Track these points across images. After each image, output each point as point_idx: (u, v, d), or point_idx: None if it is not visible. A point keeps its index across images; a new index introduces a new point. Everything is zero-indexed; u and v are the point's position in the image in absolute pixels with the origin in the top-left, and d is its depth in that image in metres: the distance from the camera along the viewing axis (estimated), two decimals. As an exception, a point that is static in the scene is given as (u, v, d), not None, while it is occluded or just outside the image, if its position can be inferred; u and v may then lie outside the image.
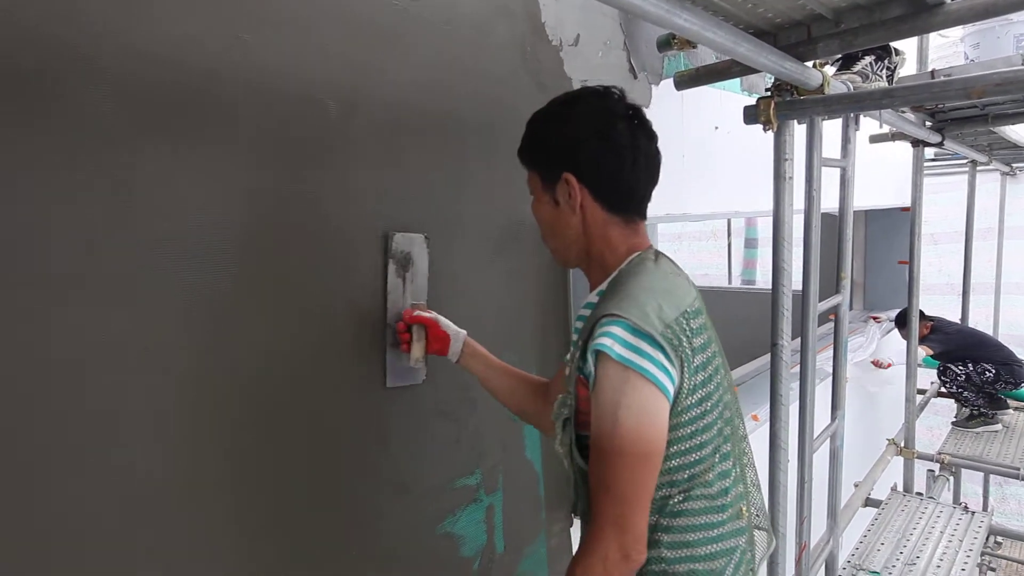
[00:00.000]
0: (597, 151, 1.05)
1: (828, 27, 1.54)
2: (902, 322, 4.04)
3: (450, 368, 1.43)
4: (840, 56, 2.13)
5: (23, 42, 0.85)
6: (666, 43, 1.75)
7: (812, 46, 1.59)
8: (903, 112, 2.75)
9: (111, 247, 0.94)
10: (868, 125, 2.99)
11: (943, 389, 4.46)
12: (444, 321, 1.33)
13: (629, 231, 1.10)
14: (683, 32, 1.19)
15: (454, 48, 1.45)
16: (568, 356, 1.11)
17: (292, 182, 1.17)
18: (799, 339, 2.00)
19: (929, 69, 2.73)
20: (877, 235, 5.47)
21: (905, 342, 3.63)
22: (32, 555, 0.89)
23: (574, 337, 1.10)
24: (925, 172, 3.50)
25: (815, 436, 2.05)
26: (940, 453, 3.86)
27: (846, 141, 2.22)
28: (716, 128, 2.38)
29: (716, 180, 2.43)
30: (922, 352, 4.11)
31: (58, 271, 0.90)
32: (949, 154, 4.63)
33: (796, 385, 1.98)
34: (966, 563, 2.84)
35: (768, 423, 1.91)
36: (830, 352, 2.37)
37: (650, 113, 1.12)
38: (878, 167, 3.95)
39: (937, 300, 6.06)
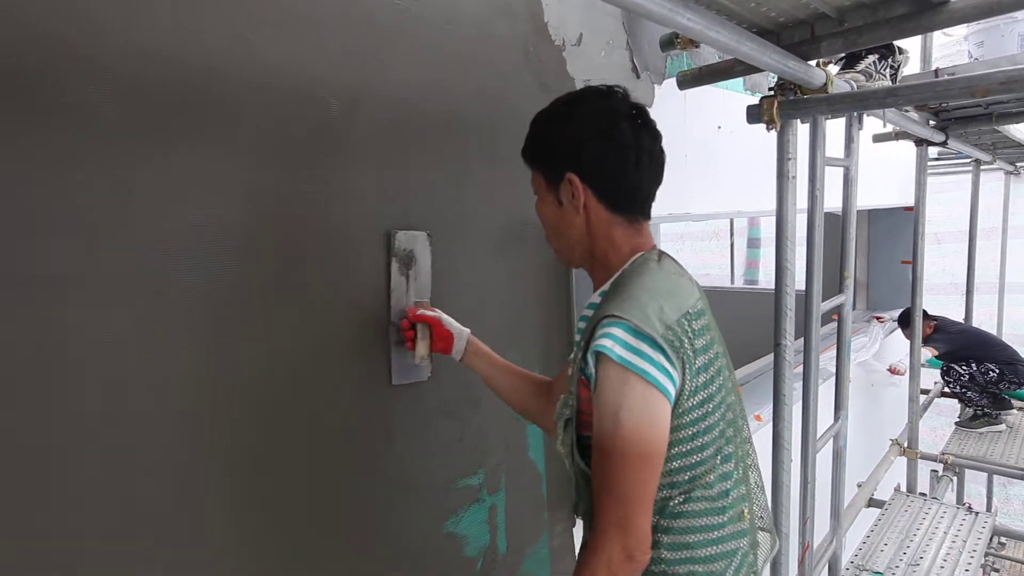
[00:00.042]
0: (600, 151, 1.05)
1: (832, 26, 1.53)
2: (905, 322, 4.03)
3: (452, 367, 1.42)
4: (844, 55, 2.12)
5: (24, 40, 0.85)
6: (669, 42, 1.75)
7: (816, 45, 1.58)
8: (907, 111, 2.74)
9: (111, 246, 0.94)
10: (872, 124, 2.98)
11: (947, 389, 4.45)
12: (447, 319, 1.33)
13: (633, 231, 1.10)
14: (686, 31, 1.19)
15: (456, 47, 1.44)
16: (571, 356, 1.10)
17: (293, 181, 1.17)
18: (802, 339, 2.00)
19: (933, 68, 2.72)
20: (880, 235, 5.46)
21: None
22: (32, 555, 0.89)
23: (576, 337, 1.10)
24: (929, 171, 3.49)
25: (818, 436, 2.05)
26: (944, 453, 3.85)
27: (849, 140, 2.21)
28: (719, 128, 2.38)
29: (719, 180, 2.42)
30: (928, 353, 4.10)
31: (58, 271, 0.89)
32: (953, 153, 4.61)
33: (799, 385, 1.97)
34: (970, 564, 2.83)
35: (771, 423, 1.91)
36: (833, 352, 2.37)
37: (653, 113, 1.11)
38: (881, 166, 3.94)
39: (940, 300, 6.05)
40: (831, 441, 2.24)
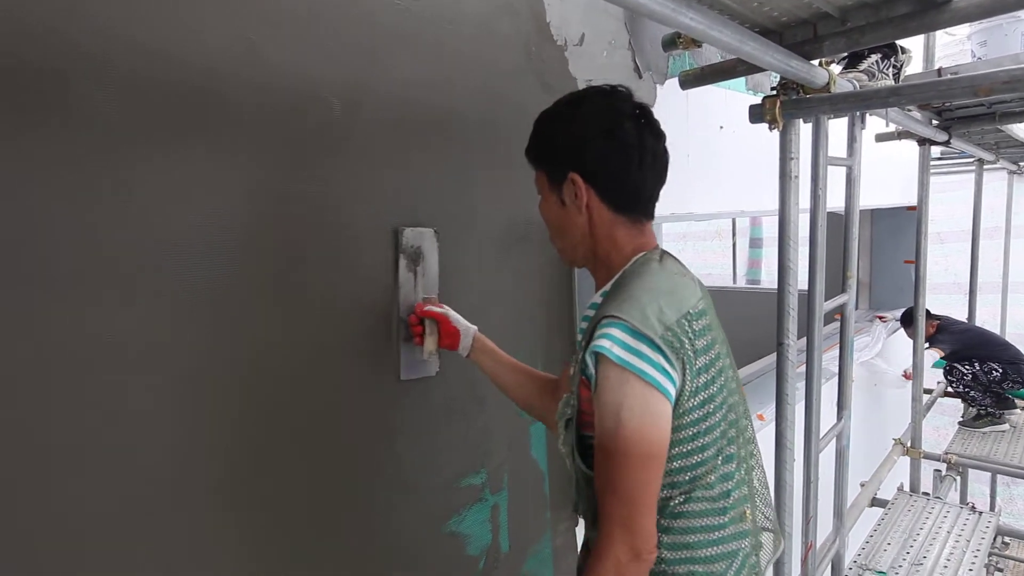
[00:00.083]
0: (603, 151, 1.05)
1: (834, 25, 1.53)
2: (908, 321, 4.02)
3: (455, 366, 1.42)
4: (846, 54, 2.12)
5: (25, 38, 0.85)
6: (671, 42, 1.75)
7: (818, 44, 1.58)
8: (909, 111, 2.73)
9: (119, 246, 0.95)
10: (874, 124, 2.98)
11: (950, 389, 4.44)
12: (454, 316, 1.34)
13: (635, 231, 1.10)
14: (689, 31, 1.19)
15: (457, 47, 1.45)
16: (574, 356, 1.10)
17: (296, 180, 1.17)
18: (805, 338, 2.00)
19: (936, 67, 2.72)
20: (883, 234, 5.45)
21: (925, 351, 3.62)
22: (32, 554, 0.89)
23: (579, 338, 1.10)
24: (931, 171, 3.48)
25: (821, 436, 2.05)
26: (947, 453, 3.85)
27: (852, 140, 2.21)
28: (721, 127, 2.38)
29: (721, 179, 2.42)
30: (936, 354, 4.09)
31: (59, 270, 0.89)
32: (956, 152, 4.61)
33: (802, 384, 1.97)
34: (973, 563, 2.82)
35: (774, 423, 1.91)
36: (836, 352, 2.37)
37: (655, 113, 1.11)
38: (884, 166, 3.93)
39: (943, 299, 6.04)
40: (834, 440, 2.24)
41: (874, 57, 2.13)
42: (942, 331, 4.27)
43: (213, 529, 1.08)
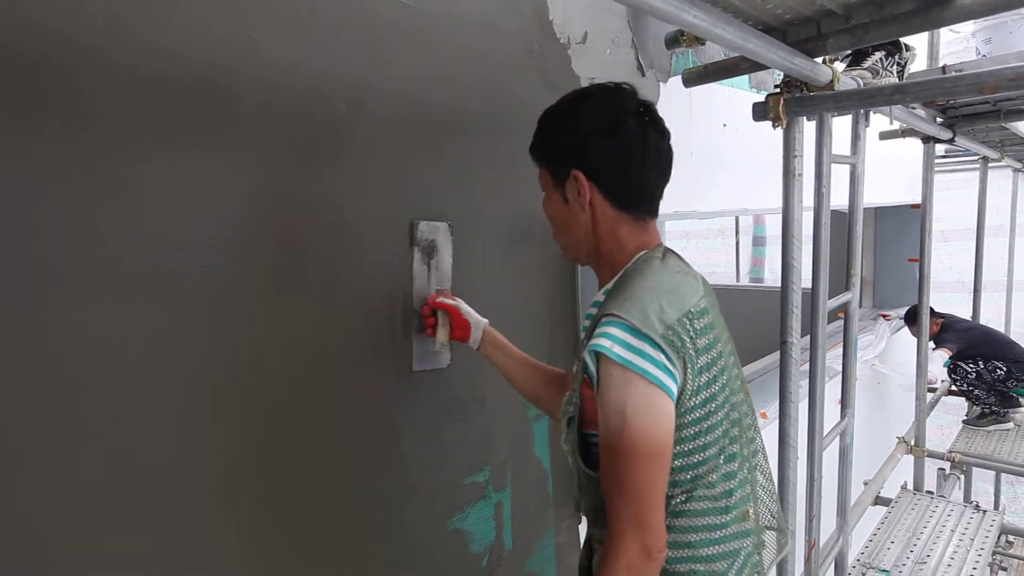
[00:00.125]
0: (606, 148, 1.05)
1: (838, 23, 1.53)
2: (912, 319, 4.01)
3: (457, 365, 1.43)
4: (850, 52, 2.12)
5: (27, 35, 0.85)
6: (674, 40, 1.75)
7: (822, 42, 1.58)
8: (914, 108, 2.73)
9: (116, 245, 0.95)
10: (878, 121, 2.97)
11: (953, 387, 4.43)
12: (466, 308, 1.36)
13: (639, 229, 1.10)
14: (692, 29, 1.19)
15: (460, 44, 1.45)
16: (577, 353, 1.11)
17: (300, 178, 1.17)
18: (808, 337, 2.00)
19: (940, 64, 2.71)
20: (887, 232, 5.44)
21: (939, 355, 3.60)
22: (33, 554, 0.89)
23: (582, 336, 1.10)
24: (936, 169, 3.47)
25: (824, 434, 2.05)
26: (951, 451, 3.84)
27: (856, 138, 2.20)
28: (724, 125, 2.37)
29: (724, 178, 2.42)
30: (945, 355, 4.07)
31: (61, 269, 0.89)
32: (960, 150, 4.58)
33: (805, 383, 1.97)
34: (977, 562, 2.82)
35: (777, 421, 1.91)
36: (839, 350, 2.36)
37: (658, 111, 1.11)
38: (888, 164, 3.92)
39: (947, 298, 6.02)
40: (837, 439, 2.23)
41: (878, 55, 2.12)
42: (946, 329, 4.25)
43: (213, 528, 1.08)
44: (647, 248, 1.09)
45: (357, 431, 1.29)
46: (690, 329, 0.99)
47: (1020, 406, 4.32)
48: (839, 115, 1.99)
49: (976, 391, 4.21)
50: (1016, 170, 5.09)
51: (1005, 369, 4.04)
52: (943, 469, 3.96)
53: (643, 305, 0.97)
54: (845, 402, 2.30)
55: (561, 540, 1.80)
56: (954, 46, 3.82)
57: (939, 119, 3.12)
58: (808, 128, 1.83)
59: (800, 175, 1.79)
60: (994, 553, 3.87)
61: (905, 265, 5.27)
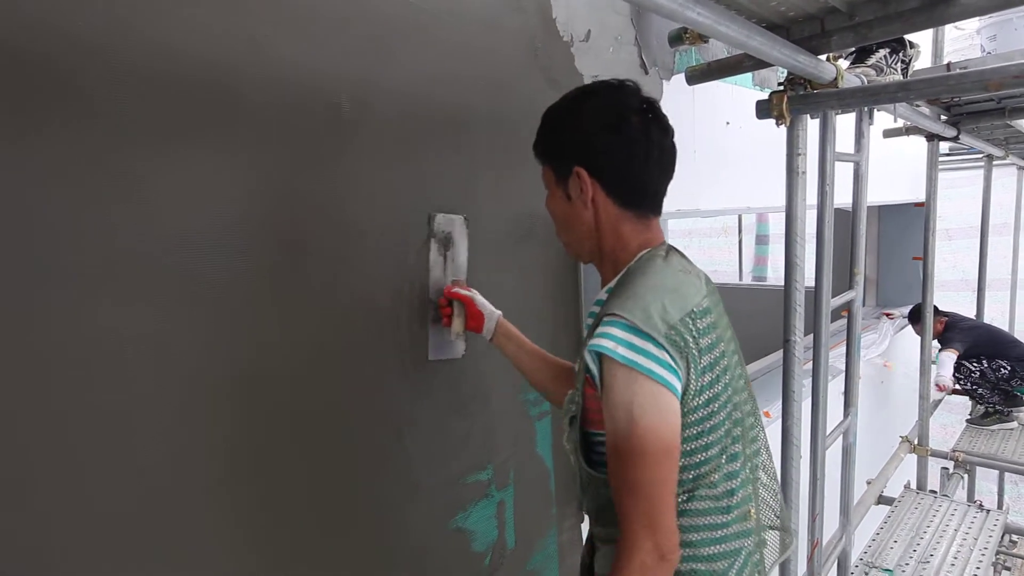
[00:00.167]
0: (609, 145, 1.04)
1: (842, 20, 1.52)
2: (916, 318, 4.00)
3: (459, 364, 1.43)
4: (854, 49, 2.11)
5: (30, 33, 0.85)
6: (678, 38, 1.75)
7: (826, 39, 1.57)
8: (918, 106, 2.72)
9: (129, 244, 0.95)
10: (882, 119, 2.96)
11: (957, 386, 4.42)
12: (480, 300, 1.37)
13: (642, 226, 1.09)
14: (696, 26, 1.18)
15: (463, 43, 1.44)
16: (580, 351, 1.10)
17: (304, 177, 1.17)
18: (811, 335, 1.99)
19: (945, 62, 2.70)
20: (891, 231, 5.43)
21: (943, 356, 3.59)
22: (33, 554, 0.89)
23: (585, 334, 1.10)
24: (940, 167, 3.46)
25: (828, 433, 2.04)
26: (954, 451, 3.83)
27: (860, 135, 2.20)
28: (728, 123, 2.37)
29: (728, 176, 2.42)
30: (952, 356, 4.05)
31: (64, 269, 0.89)
32: (964, 148, 4.57)
33: (808, 381, 1.97)
34: (980, 561, 2.81)
35: (780, 419, 1.90)
36: (843, 349, 2.36)
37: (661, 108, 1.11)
38: (892, 162, 3.91)
39: (951, 296, 6.01)
40: (840, 438, 2.23)
41: (882, 52, 2.12)
42: (950, 328, 4.24)
43: (213, 528, 1.08)
44: (650, 246, 1.09)
45: (360, 429, 1.29)
46: (693, 329, 0.98)
47: (1024, 405, 4.31)
48: (843, 113, 1.99)
49: (980, 390, 4.20)
50: (1021, 168, 5.07)
51: (1009, 368, 4.03)
52: (947, 468, 3.96)
53: (645, 304, 0.96)
54: (848, 401, 2.30)
55: (563, 539, 1.80)
56: (959, 43, 3.80)
57: (943, 117, 3.11)
58: (812, 126, 1.82)
59: (804, 173, 1.78)
60: (997, 553, 3.86)
61: (909, 263, 5.26)
